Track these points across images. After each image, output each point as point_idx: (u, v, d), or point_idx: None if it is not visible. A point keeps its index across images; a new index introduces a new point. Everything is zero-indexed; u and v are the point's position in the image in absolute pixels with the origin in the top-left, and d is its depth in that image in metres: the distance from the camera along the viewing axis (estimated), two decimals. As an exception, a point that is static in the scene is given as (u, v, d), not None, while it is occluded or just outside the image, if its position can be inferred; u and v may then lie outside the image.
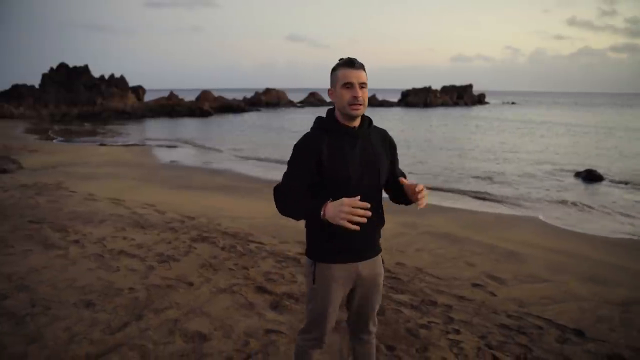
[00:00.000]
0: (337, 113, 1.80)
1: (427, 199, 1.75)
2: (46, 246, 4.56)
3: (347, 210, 1.56)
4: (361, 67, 1.75)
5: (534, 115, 43.03)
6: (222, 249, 4.62)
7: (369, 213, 1.59)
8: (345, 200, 1.58)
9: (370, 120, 1.88)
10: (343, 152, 1.75)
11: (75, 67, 37.43)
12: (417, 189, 1.72)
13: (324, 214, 1.61)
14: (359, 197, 1.59)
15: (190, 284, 3.60)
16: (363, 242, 1.83)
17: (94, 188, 8.08)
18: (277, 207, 1.79)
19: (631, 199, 9.50)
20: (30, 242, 4.67)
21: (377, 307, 1.99)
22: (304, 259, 1.96)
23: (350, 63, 1.73)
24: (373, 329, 2.03)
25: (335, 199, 1.66)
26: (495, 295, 3.82)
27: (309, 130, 1.83)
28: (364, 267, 1.86)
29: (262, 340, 2.75)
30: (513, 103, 74.13)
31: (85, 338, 2.67)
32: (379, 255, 1.95)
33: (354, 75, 1.71)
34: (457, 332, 3.07)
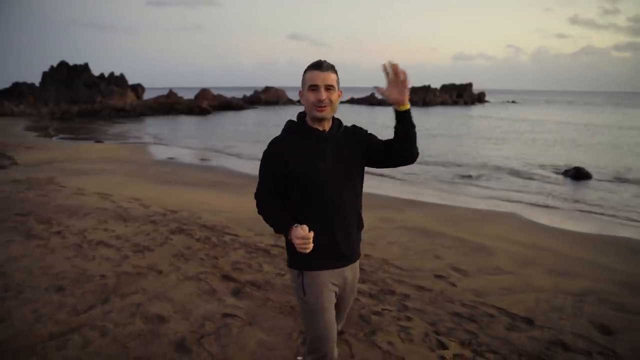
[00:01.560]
0: (307, 116, 1.82)
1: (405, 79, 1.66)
2: (28, 237, 4.73)
3: (297, 243, 1.65)
4: (329, 69, 1.75)
5: (530, 114, 43.20)
6: (198, 240, 4.78)
7: (310, 246, 1.66)
8: (299, 233, 1.65)
9: (340, 122, 1.88)
10: (312, 156, 1.76)
11: (75, 66, 37.67)
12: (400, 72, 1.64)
13: (290, 237, 1.71)
14: (306, 229, 1.66)
15: (160, 272, 3.76)
16: (348, 246, 1.84)
17: (84, 183, 8.24)
18: (258, 212, 1.87)
19: (616, 196, 9.62)
20: (13, 233, 4.84)
21: (343, 320, 2.05)
22: (289, 272, 2.01)
23: (317, 65, 1.74)
24: (340, 325, 2.04)
25: (308, 202, 1.76)
26: (455, 286, 3.96)
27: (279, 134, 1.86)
28: (348, 271, 1.88)
29: (218, 323, 2.91)
30: (513, 102, 74.13)
31: (51, 319, 2.83)
32: (358, 260, 1.97)
33: (320, 78, 1.72)
34: (409, 319, 3.22)
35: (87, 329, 2.73)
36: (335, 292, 1.86)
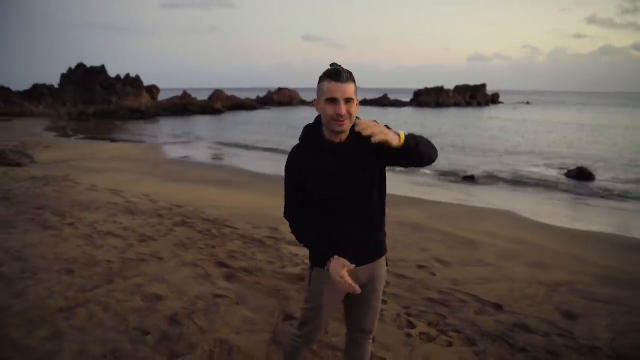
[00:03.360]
0: (324, 126, 1.73)
1: (374, 130, 1.45)
2: (44, 227, 5.13)
3: (338, 282, 1.62)
4: (348, 79, 1.63)
5: (541, 115, 43.20)
6: (199, 232, 5.13)
7: (358, 291, 1.62)
8: (342, 273, 1.61)
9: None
10: (325, 170, 1.72)
11: (92, 67, 38.71)
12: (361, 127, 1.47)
13: (328, 269, 1.67)
14: (353, 266, 1.64)
15: (161, 259, 4.11)
16: (358, 249, 1.80)
17: (97, 180, 8.69)
18: (292, 232, 1.84)
19: (615, 195, 9.75)
20: (30, 224, 5.25)
21: (376, 311, 1.96)
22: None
23: (336, 76, 1.62)
24: (370, 334, 1.98)
25: (320, 217, 1.77)
26: (434, 275, 4.23)
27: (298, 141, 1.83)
28: (362, 271, 1.82)
29: (209, 302, 3.24)
30: (528, 103, 73.53)
31: (61, 295, 3.20)
32: (382, 258, 1.92)
33: (338, 90, 1.61)
34: (384, 302, 3.49)
35: (93, 305, 3.08)
36: (349, 293, 1.83)
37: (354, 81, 1.66)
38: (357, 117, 1.72)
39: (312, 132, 1.78)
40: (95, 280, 3.54)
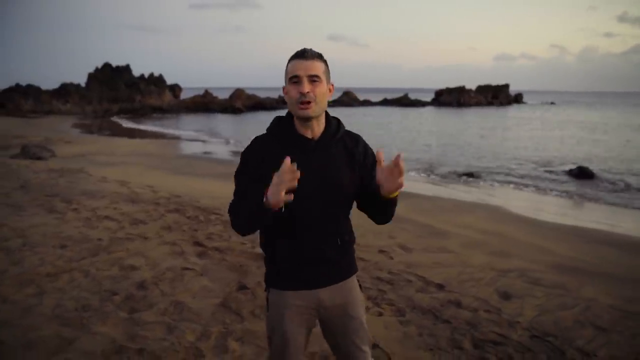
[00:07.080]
0: (294, 117, 1.53)
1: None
2: (51, 211, 5.73)
3: (284, 179, 1.30)
4: (314, 56, 1.48)
5: (562, 115, 42.72)
6: (187, 217, 5.63)
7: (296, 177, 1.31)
8: (283, 168, 1.31)
9: (338, 125, 1.60)
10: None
11: (117, 67, 40.18)
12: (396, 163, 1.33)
13: (267, 200, 1.35)
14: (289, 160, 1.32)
15: (146, 238, 4.62)
16: (321, 265, 1.57)
17: (109, 173, 9.35)
18: (234, 228, 1.52)
19: (609, 194, 9.83)
20: (39, 209, 5.86)
21: (364, 346, 1.65)
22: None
23: (300, 54, 1.48)
24: (363, 353, 1.64)
25: (279, 222, 1.48)
26: (392, 259, 4.58)
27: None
28: (326, 294, 1.59)
29: (176, 273, 3.72)
30: (552, 103, 72.13)
31: (50, 264, 3.73)
32: (350, 279, 1.67)
33: (301, 67, 1.45)
34: (335, 278, 3.89)
35: (76, 272, 3.60)
36: (318, 319, 1.64)
37: (324, 62, 1.52)
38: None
39: (282, 122, 1.57)
40: (83, 253, 4.07)
